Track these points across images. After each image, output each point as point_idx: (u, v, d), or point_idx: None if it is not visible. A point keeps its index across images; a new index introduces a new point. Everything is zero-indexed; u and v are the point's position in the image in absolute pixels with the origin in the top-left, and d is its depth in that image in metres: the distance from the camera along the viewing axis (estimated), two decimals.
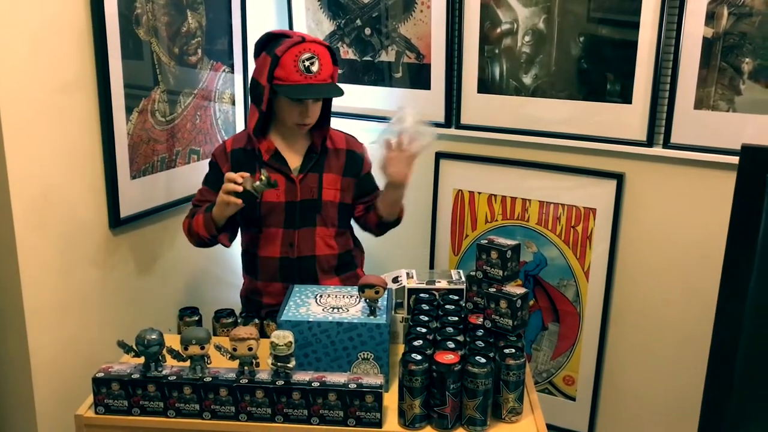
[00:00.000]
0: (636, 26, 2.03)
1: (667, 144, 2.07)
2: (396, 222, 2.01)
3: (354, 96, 2.51)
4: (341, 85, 2.44)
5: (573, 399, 2.38)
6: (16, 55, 1.69)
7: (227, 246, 1.93)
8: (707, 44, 1.96)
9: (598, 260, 2.25)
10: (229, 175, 1.73)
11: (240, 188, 1.70)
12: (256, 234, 1.93)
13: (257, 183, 1.70)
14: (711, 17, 1.95)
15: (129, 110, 1.98)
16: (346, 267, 2.02)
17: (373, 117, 2.49)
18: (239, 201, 1.72)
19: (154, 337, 1.49)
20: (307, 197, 1.89)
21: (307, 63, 1.77)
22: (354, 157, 1.96)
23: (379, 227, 2.00)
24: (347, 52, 2.50)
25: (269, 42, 1.85)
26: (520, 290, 1.56)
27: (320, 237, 1.93)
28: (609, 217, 2.20)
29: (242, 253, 2.02)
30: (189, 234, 1.91)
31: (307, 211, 1.90)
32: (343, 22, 2.48)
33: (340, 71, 2.52)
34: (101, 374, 1.50)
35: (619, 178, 2.17)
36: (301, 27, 2.55)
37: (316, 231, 1.93)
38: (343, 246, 2.00)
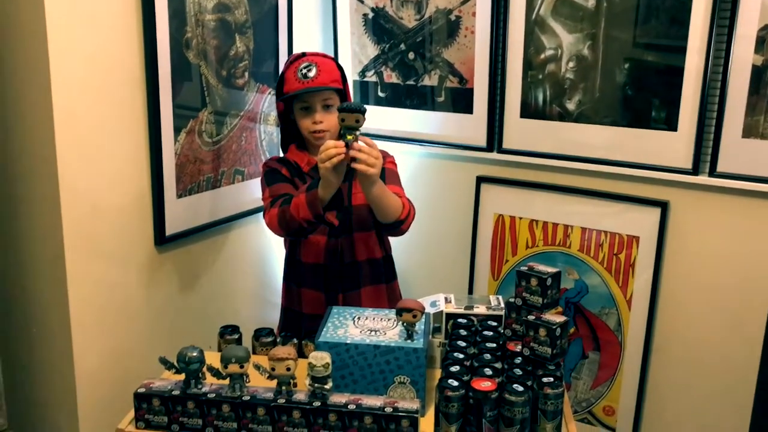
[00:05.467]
0: (683, 52, 2.01)
1: (713, 172, 2.03)
2: (394, 226, 1.85)
3: (396, 119, 2.53)
4: (381, 108, 2.55)
5: (613, 430, 2.33)
6: (72, 76, 1.75)
7: (336, 225, 1.87)
8: (756, 72, 1.93)
9: (641, 289, 2.21)
10: (326, 144, 1.69)
11: (344, 150, 1.66)
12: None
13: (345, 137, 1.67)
14: (761, 43, 1.91)
15: (177, 130, 2.03)
16: (389, 275, 2.05)
17: (415, 140, 2.51)
18: (343, 151, 1.65)
19: (195, 354, 1.51)
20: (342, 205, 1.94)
21: (304, 71, 1.88)
22: None
23: (379, 229, 1.92)
24: (390, 76, 2.52)
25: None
26: (560, 318, 1.55)
27: (359, 242, 1.96)
28: (653, 245, 2.17)
29: (286, 258, 2.07)
30: (283, 221, 1.80)
31: (344, 219, 1.94)
32: (387, 46, 2.50)
33: (382, 95, 2.55)
34: (143, 389, 1.52)
35: (663, 206, 2.14)
36: (345, 50, 2.59)
37: (354, 237, 1.97)
38: (384, 250, 2.04)
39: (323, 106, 1.92)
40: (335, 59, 1.99)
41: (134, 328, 2.02)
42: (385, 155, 2.01)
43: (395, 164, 2.04)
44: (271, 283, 2.51)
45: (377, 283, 2.03)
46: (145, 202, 1.99)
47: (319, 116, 1.91)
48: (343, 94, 1.97)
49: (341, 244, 1.97)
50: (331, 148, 1.67)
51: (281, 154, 2.07)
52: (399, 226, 1.85)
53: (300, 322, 2.02)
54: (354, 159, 1.68)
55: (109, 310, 1.94)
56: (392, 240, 2.09)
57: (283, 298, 2.10)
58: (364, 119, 1.67)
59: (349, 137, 1.66)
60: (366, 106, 1.69)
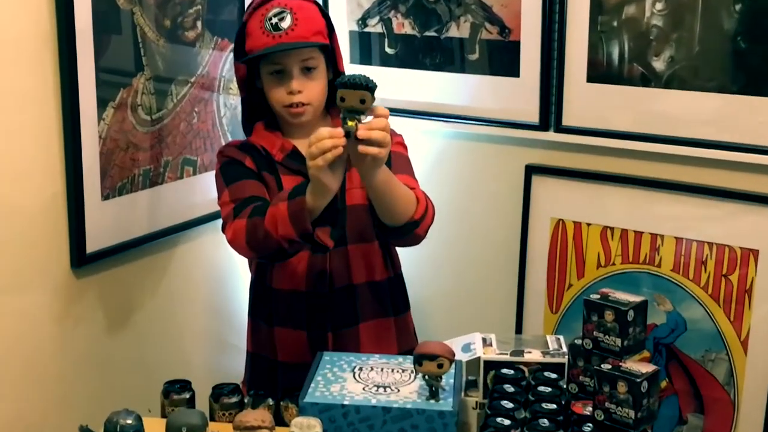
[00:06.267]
0: None
1: None
2: (406, 230, 1.85)
3: (411, 86, 2.54)
4: (388, 70, 2.54)
5: None
6: None
7: (330, 248, 1.83)
8: None
9: (762, 324, 2.21)
10: (319, 133, 1.67)
11: (343, 141, 1.65)
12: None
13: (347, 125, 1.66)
14: None
15: (102, 104, 2.03)
16: (399, 304, 2.06)
17: (438, 115, 2.51)
18: (341, 142, 1.64)
19: (129, 422, 1.50)
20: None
21: (274, 20, 1.88)
22: None
23: (385, 235, 1.92)
24: (402, 25, 2.52)
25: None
26: (647, 368, 1.55)
27: (356, 257, 1.98)
28: None
29: (252, 284, 2.09)
30: (253, 239, 1.80)
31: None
32: None
33: (391, 51, 2.55)
34: None
35: None
36: None
37: (349, 251, 1.98)
38: (391, 269, 2.05)
39: (302, 69, 1.92)
40: (318, 3, 1.99)
41: (44, 385, 2.02)
42: (391, 134, 2.01)
43: (405, 146, 2.05)
44: (233, 319, 2.52)
45: (382, 315, 2.04)
46: (57, 207, 1.99)
47: (297, 84, 1.91)
48: (330, 51, 1.97)
49: (330, 261, 1.97)
50: (326, 139, 1.66)
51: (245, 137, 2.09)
52: (412, 230, 1.86)
53: (275, 375, 2.03)
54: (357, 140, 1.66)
55: (8, 361, 1.93)
56: (403, 255, 2.10)
57: (249, 340, 2.11)
58: (373, 99, 1.66)
59: (351, 123, 1.65)
60: (372, 75, 1.68)
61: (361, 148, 1.66)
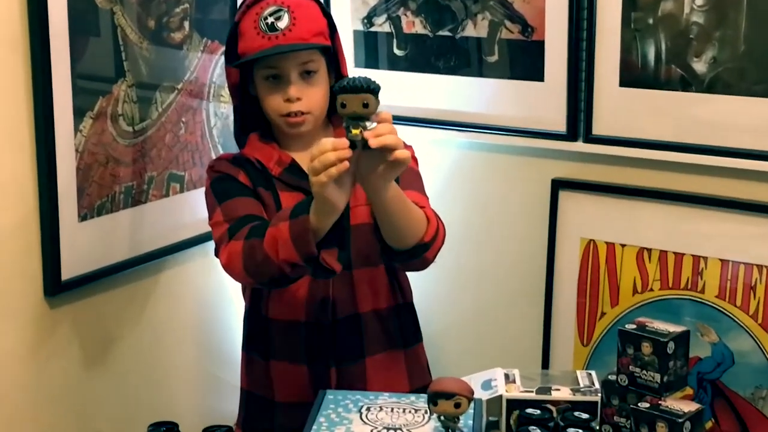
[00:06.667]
0: None
1: None
2: (414, 253, 1.84)
3: (422, 91, 2.55)
4: (397, 74, 2.55)
5: None
6: None
7: (337, 272, 1.80)
8: None
9: None
10: (322, 145, 1.64)
11: (348, 153, 1.62)
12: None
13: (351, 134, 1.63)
14: None
15: (79, 114, 2.04)
16: (410, 335, 2.07)
17: (453, 124, 2.52)
18: (347, 154, 1.61)
19: None
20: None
21: (270, 19, 1.89)
22: None
23: (390, 258, 1.91)
24: (412, 24, 2.53)
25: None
26: (690, 406, 1.56)
27: (362, 284, 1.98)
28: None
29: (246, 314, 2.09)
30: (251, 264, 1.80)
31: None
32: None
33: (400, 53, 2.56)
34: None
35: None
36: None
37: (354, 276, 1.98)
38: (400, 296, 2.05)
39: (301, 73, 1.93)
40: (318, 0, 2.00)
41: (13, 427, 2.02)
42: None
43: (416, 160, 2.05)
44: (225, 353, 2.52)
45: (391, 348, 2.04)
46: (29, 229, 2.00)
47: (295, 90, 1.92)
48: (332, 54, 1.98)
49: (333, 288, 1.98)
50: (329, 152, 1.63)
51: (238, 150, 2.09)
52: (421, 253, 1.85)
53: (272, 415, 2.03)
54: (366, 148, 1.63)
55: None
56: (414, 281, 2.10)
57: (243, 376, 2.11)
58: (377, 102, 1.64)
59: (355, 131, 1.63)
60: (376, 78, 1.68)
61: (392, 156, 1.63)
